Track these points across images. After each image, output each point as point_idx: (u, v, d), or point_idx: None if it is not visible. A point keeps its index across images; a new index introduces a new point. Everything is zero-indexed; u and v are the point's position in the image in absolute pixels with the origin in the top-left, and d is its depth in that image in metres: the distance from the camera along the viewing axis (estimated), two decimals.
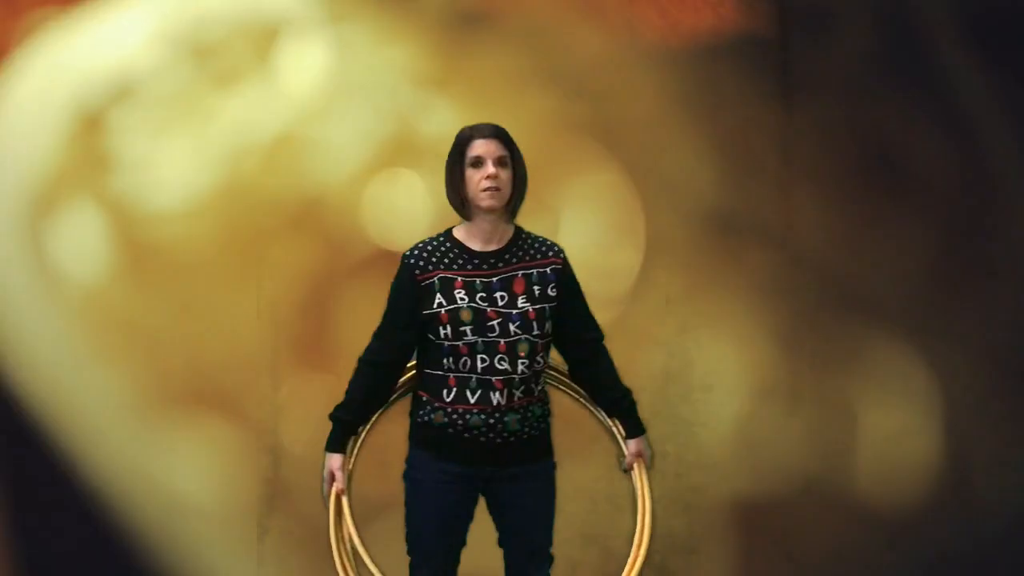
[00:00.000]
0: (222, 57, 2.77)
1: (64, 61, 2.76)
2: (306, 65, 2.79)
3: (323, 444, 2.12)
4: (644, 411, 2.15)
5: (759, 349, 2.71)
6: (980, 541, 2.66)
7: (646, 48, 2.78)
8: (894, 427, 2.60)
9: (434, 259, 2.11)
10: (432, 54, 2.80)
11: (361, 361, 2.13)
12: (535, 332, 2.10)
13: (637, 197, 2.75)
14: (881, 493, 2.64)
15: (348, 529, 2.10)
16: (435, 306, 2.09)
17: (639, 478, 2.16)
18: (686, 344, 2.72)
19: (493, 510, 2.15)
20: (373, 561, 2.08)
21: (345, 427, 2.13)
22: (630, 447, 2.17)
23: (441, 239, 2.13)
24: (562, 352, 2.16)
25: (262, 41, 2.78)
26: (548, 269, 2.12)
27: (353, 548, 2.10)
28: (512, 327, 2.09)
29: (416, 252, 2.12)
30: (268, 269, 2.76)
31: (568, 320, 2.13)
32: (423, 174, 2.77)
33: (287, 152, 2.77)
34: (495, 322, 2.09)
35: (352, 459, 2.14)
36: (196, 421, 2.68)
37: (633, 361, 2.58)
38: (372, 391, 2.13)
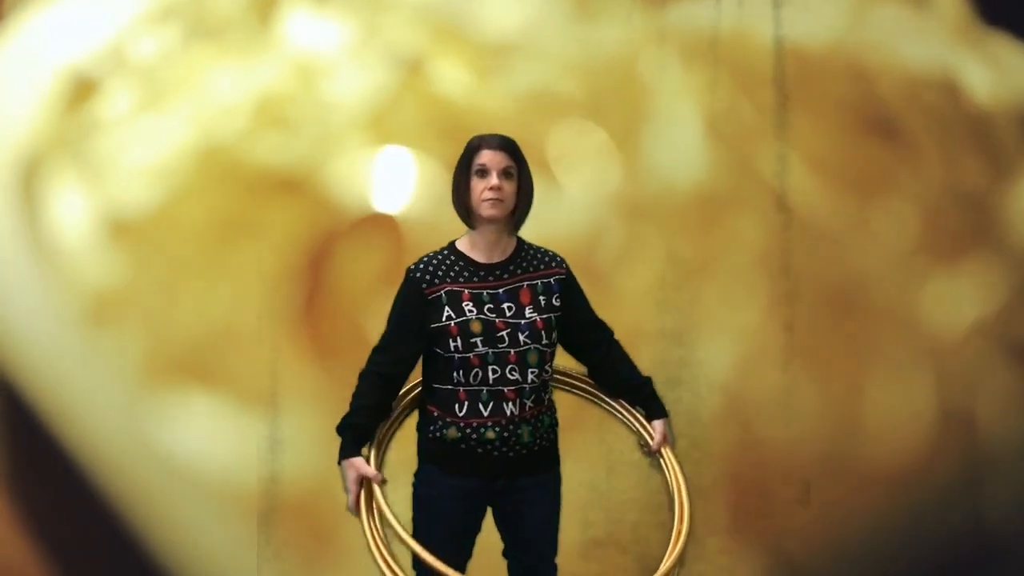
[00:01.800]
0: (216, 17, 2.75)
1: (51, 24, 2.75)
2: (303, 30, 2.78)
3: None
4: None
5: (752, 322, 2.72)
6: (978, 510, 2.70)
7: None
8: (895, 401, 2.61)
9: (440, 272, 2.12)
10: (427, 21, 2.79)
11: (365, 373, 2.12)
12: (544, 342, 2.11)
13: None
14: (884, 462, 2.65)
15: (385, 515, 2.04)
16: (444, 319, 2.09)
17: (668, 460, 2.15)
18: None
19: (500, 522, 2.16)
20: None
21: (356, 433, 2.09)
22: (656, 428, 2.16)
23: (446, 252, 2.14)
24: (578, 358, 2.19)
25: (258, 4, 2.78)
26: (552, 280, 2.13)
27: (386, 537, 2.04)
28: (522, 337, 2.10)
29: (421, 266, 2.12)
30: (265, 233, 2.75)
31: (577, 327, 2.15)
32: (420, 141, 2.78)
33: (282, 116, 2.75)
34: (504, 333, 2.10)
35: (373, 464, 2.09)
36: (192, 388, 2.66)
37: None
38: (379, 400, 2.11)
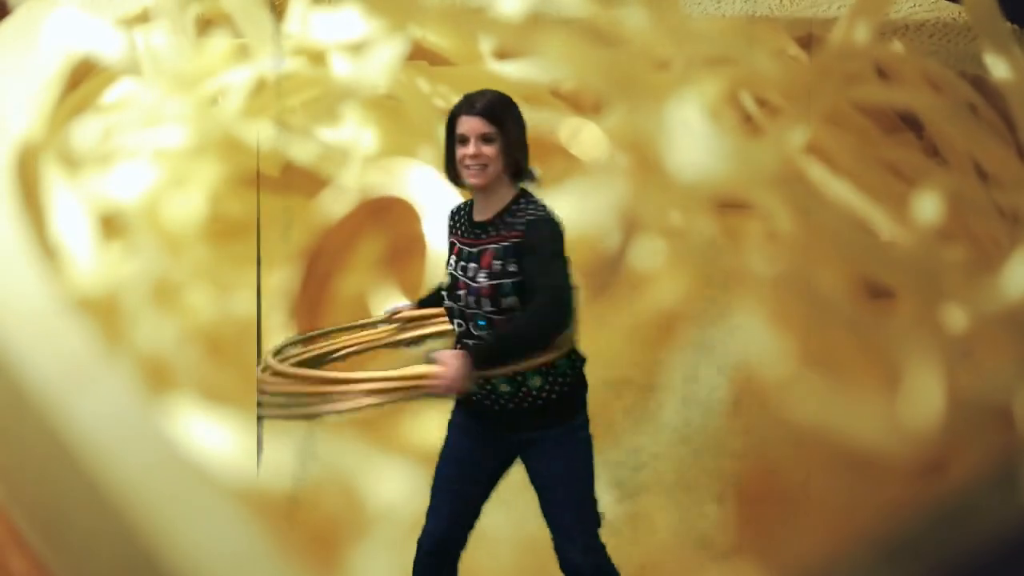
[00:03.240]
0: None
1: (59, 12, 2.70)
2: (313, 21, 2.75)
3: None
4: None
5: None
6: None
7: None
8: (924, 387, 2.51)
9: (455, 220, 2.17)
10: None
11: None
12: (487, 308, 2.07)
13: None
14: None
15: None
16: (448, 261, 2.15)
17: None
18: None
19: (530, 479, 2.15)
20: None
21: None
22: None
23: (467, 203, 2.17)
24: None
25: None
26: (510, 242, 2.08)
27: None
28: (470, 299, 2.09)
29: (453, 210, 2.18)
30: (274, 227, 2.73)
31: (524, 282, 2.08)
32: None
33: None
34: (461, 292, 2.10)
35: None
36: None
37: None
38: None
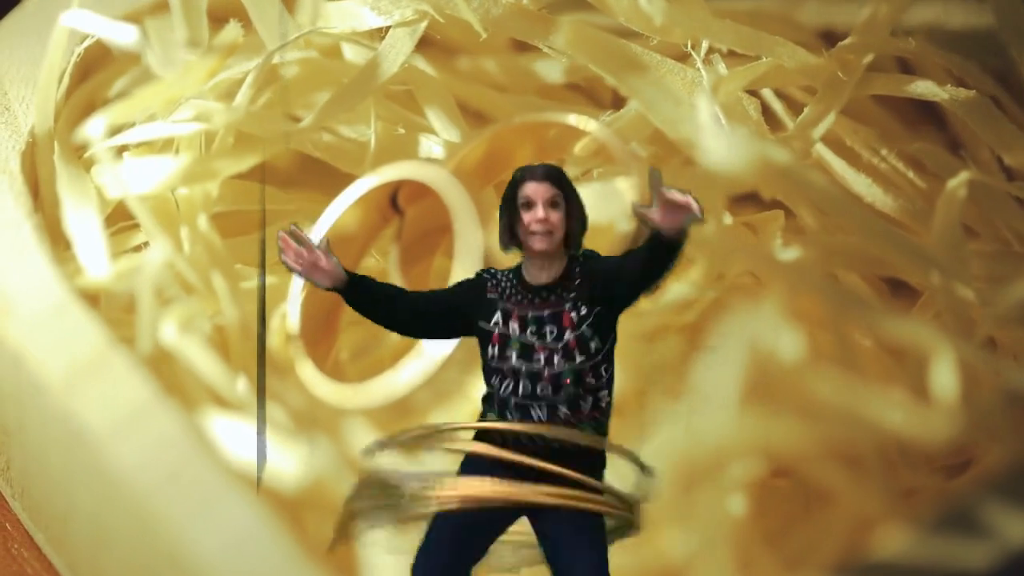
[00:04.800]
0: None
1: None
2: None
3: None
4: None
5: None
6: None
7: None
8: (947, 382, 2.46)
9: (503, 285, 2.13)
10: None
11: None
12: (578, 360, 2.07)
13: None
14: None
15: None
16: (491, 324, 2.11)
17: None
18: None
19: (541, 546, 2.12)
20: None
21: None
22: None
23: (512, 271, 2.14)
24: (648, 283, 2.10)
25: None
26: (577, 290, 2.09)
27: None
28: (556, 359, 2.07)
29: (492, 272, 2.14)
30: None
31: (616, 271, 2.09)
32: None
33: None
34: (542, 355, 2.08)
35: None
36: None
37: None
38: (394, 293, 2.15)
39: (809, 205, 2.60)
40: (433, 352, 2.40)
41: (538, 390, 2.08)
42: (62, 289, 2.47)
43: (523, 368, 2.08)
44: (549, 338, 2.07)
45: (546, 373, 2.07)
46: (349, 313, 2.41)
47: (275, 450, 2.37)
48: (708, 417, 2.37)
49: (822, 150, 2.70)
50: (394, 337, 2.50)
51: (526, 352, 2.08)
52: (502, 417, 2.09)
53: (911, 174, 2.72)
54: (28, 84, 2.70)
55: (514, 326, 2.09)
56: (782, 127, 2.74)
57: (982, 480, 2.37)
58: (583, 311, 2.08)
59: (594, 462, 2.12)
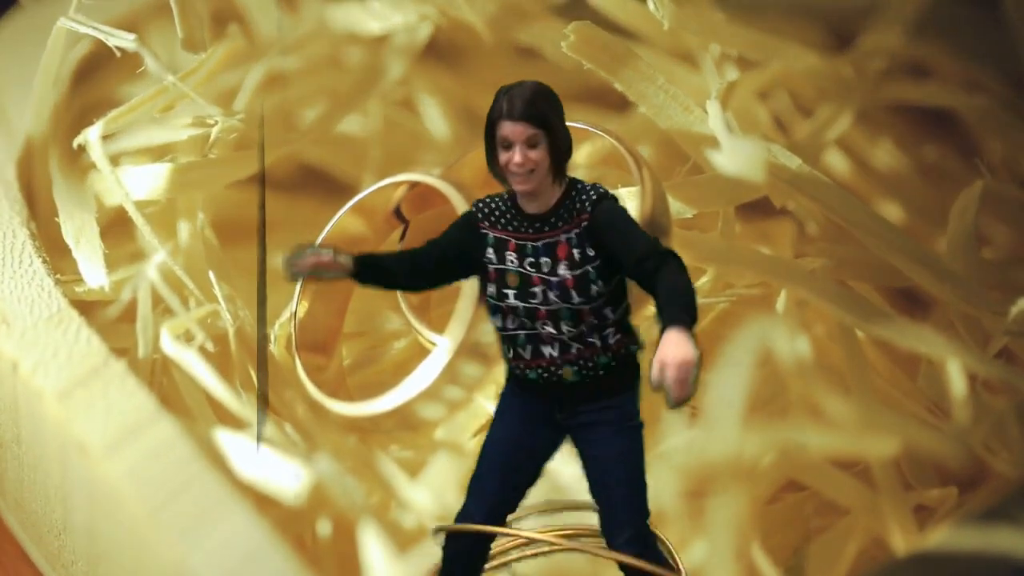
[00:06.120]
0: None
1: None
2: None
3: None
4: None
5: None
6: None
7: None
8: (961, 391, 2.43)
9: (496, 214, 2.10)
10: None
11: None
12: (575, 300, 2.04)
13: None
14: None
15: None
16: (484, 259, 2.09)
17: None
18: None
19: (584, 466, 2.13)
20: None
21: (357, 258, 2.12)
22: (662, 344, 1.91)
23: (505, 197, 2.11)
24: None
25: None
26: (582, 228, 2.05)
27: None
28: (551, 295, 2.05)
29: (483, 203, 2.12)
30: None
31: (622, 259, 2.04)
32: None
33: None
34: (538, 289, 2.06)
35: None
36: None
37: None
38: (398, 263, 2.14)
39: (820, 213, 2.58)
40: (435, 367, 2.38)
41: (538, 327, 2.07)
42: (59, 299, 2.44)
43: (520, 308, 2.06)
44: (545, 269, 2.06)
45: (543, 311, 2.06)
46: (349, 324, 2.39)
47: (276, 463, 2.34)
48: (717, 428, 2.33)
49: (834, 156, 2.68)
50: (395, 348, 2.49)
51: (523, 285, 2.06)
52: (516, 355, 2.09)
53: (925, 179, 2.71)
54: (24, 88, 2.68)
55: (511, 256, 2.08)
56: (793, 133, 2.72)
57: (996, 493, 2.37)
58: (585, 250, 2.05)
59: (624, 376, 2.10)
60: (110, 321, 2.54)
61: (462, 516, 2.14)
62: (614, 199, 2.08)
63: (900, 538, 2.34)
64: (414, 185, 2.42)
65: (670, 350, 1.89)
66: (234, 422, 2.39)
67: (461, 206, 2.35)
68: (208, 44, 2.61)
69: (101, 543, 2.38)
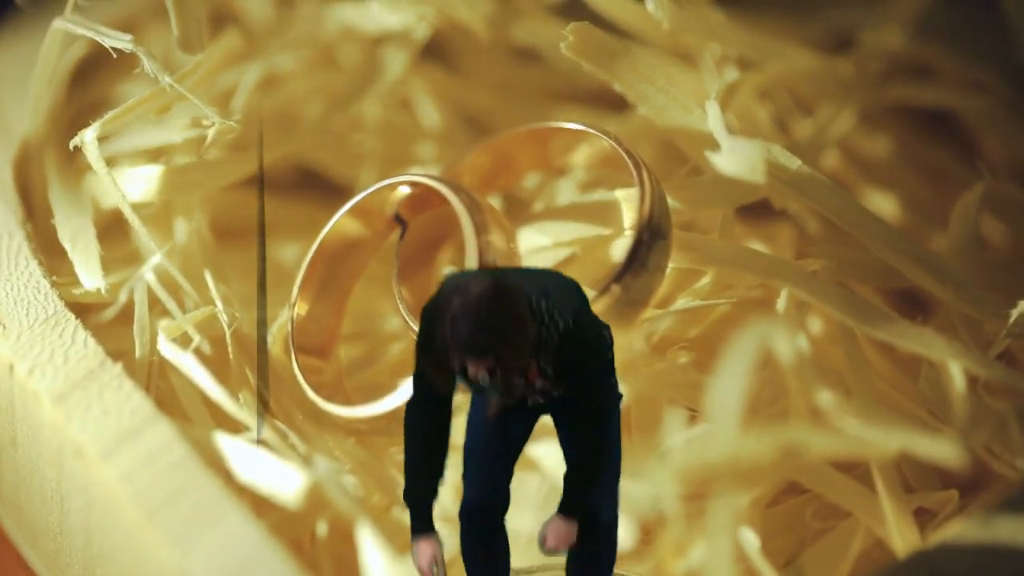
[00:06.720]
0: None
1: None
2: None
3: None
4: None
5: None
6: None
7: None
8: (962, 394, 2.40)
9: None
10: None
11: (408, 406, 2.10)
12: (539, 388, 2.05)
13: None
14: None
15: None
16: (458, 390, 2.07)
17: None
18: None
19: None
20: None
21: (418, 501, 2.08)
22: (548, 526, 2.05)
23: None
24: None
25: None
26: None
27: None
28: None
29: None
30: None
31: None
32: None
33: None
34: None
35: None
36: None
37: None
38: (428, 431, 2.07)
39: (821, 214, 2.57)
40: None
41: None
42: (55, 301, 2.43)
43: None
44: (520, 392, 2.04)
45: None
46: (347, 326, 2.38)
47: (274, 465, 2.33)
48: (718, 431, 2.32)
49: (834, 157, 2.68)
50: (393, 350, 2.49)
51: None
52: None
53: (927, 181, 2.71)
54: (20, 90, 2.67)
55: (482, 373, 1.96)
56: (793, 133, 2.71)
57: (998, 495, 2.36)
58: (549, 374, 2.02)
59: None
60: (107, 323, 2.51)
61: (463, 509, 2.13)
62: (586, 342, 2.03)
63: (901, 541, 2.33)
64: (413, 186, 2.41)
65: (554, 530, 2.04)
66: (231, 424, 2.39)
67: (460, 207, 2.34)
68: (205, 45, 2.61)
69: (98, 546, 2.37)
